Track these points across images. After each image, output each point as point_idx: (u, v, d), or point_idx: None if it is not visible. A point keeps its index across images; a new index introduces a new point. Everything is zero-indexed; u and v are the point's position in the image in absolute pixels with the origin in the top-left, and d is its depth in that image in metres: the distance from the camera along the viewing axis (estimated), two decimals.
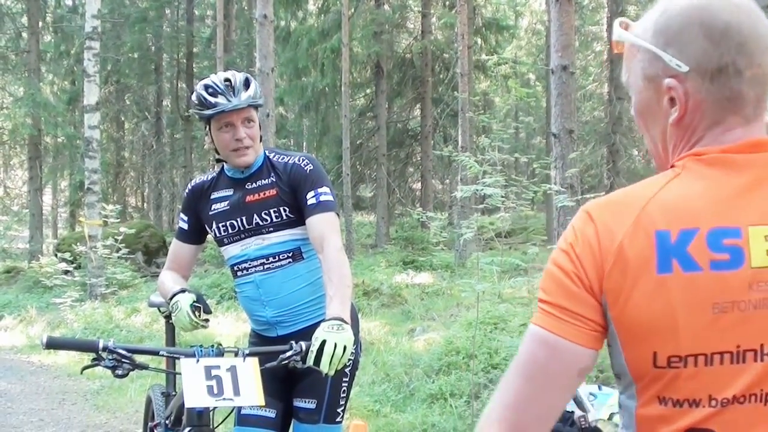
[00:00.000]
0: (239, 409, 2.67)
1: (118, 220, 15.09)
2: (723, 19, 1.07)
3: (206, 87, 2.67)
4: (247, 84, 2.69)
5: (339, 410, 2.81)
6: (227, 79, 2.67)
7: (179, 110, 26.08)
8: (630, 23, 1.19)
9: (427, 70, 21.79)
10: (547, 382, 1.08)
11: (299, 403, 2.79)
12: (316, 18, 22.68)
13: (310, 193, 2.67)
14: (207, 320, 2.62)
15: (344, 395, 2.82)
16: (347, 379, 2.82)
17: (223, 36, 19.56)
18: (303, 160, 2.77)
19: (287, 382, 2.80)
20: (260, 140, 2.78)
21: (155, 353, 2.57)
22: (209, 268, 16.25)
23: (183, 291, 2.65)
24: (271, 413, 2.73)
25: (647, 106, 1.18)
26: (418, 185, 24.84)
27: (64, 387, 7.56)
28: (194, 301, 2.60)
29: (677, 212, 1.06)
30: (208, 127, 2.74)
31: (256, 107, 2.72)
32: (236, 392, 2.27)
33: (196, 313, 2.58)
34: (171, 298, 2.64)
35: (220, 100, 2.63)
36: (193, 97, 2.73)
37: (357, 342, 2.81)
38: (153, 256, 17.62)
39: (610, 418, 3.40)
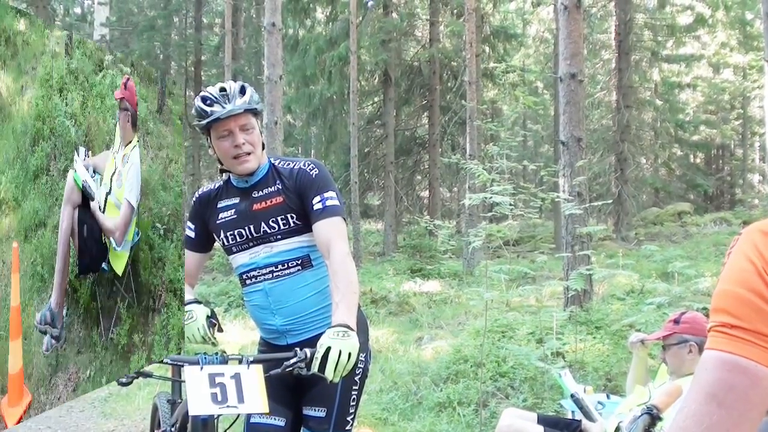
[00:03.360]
0: (248, 417, 2.67)
1: None
2: None
3: (203, 99, 2.70)
4: (242, 91, 2.70)
5: (348, 418, 2.79)
6: (222, 89, 2.70)
7: (187, 118, 26.20)
8: None
9: (435, 78, 21.81)
10: (747, 411, 1.03)
11: (309, 411, 2.77)
12: (324, 26, 22.76)
13: (316, 198, 2.66)
14: (216, 339, 2.60)
15: (353, 403, 2.80)
16: (356, 387, 2.80)
17: (231, 44, 19.66)
18: (308, 165, 2.77)
19: (296, 391, 2.78)
20: (263, 148, 2.78)
21: (159, 361, 2.56)
22: (217, 276, 16.28)
23: (198, 302, 2.64)
24: (280, 421, 2.72)
25: None
26: (426, 193, 24.81)
27: None
28: (209, 316, 2.59)
29: None
30: (209, 138, 2.75)
31: (254, 114, 2.73)
32: (240, 399, 2.25)
33: (211, 330, 2.56)
34: None
35: (216, 108, 2.65)
36: (192, 111, 2.75)
37: (366, 350, 2.80)
38: None
39: (617, 430, 3.36)
